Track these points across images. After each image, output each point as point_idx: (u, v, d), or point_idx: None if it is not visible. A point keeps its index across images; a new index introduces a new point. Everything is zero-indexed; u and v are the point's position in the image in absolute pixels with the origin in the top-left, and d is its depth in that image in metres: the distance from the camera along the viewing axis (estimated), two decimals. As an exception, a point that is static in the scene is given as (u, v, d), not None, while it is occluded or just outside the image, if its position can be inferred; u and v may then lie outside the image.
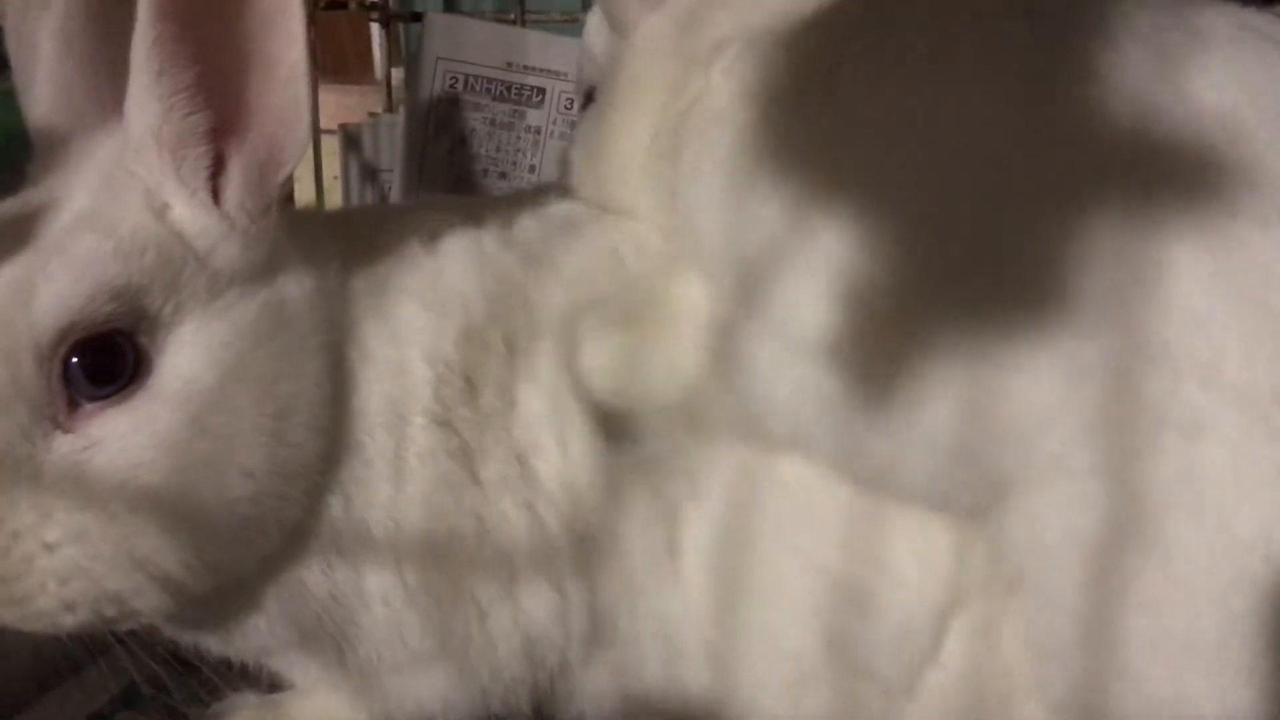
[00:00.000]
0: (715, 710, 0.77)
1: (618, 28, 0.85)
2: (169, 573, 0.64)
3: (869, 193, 0.65)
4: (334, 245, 0.74)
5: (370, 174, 1.48)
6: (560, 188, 0.88)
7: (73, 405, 0.63)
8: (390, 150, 1.46)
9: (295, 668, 0.80)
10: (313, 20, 1.26)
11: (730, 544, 0.75)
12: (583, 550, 0.75)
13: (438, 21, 1.42)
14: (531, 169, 1.42)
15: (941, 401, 0.65)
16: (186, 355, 0.64)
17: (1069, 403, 0.62)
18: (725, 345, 0.73)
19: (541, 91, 1.41)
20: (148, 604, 0.64)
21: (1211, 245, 0.61)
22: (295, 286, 0.69)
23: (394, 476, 0.71)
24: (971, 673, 0.73)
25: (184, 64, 0.63)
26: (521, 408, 0.75)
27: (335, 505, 0.70)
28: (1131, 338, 0.61)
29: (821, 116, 0.68)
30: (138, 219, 0.65)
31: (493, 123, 1.41)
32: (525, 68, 1.41)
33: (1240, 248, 0.61)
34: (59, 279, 0.61)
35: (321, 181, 1.34)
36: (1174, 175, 0.61)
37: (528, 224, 0.80)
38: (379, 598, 0.72)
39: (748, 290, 0.70)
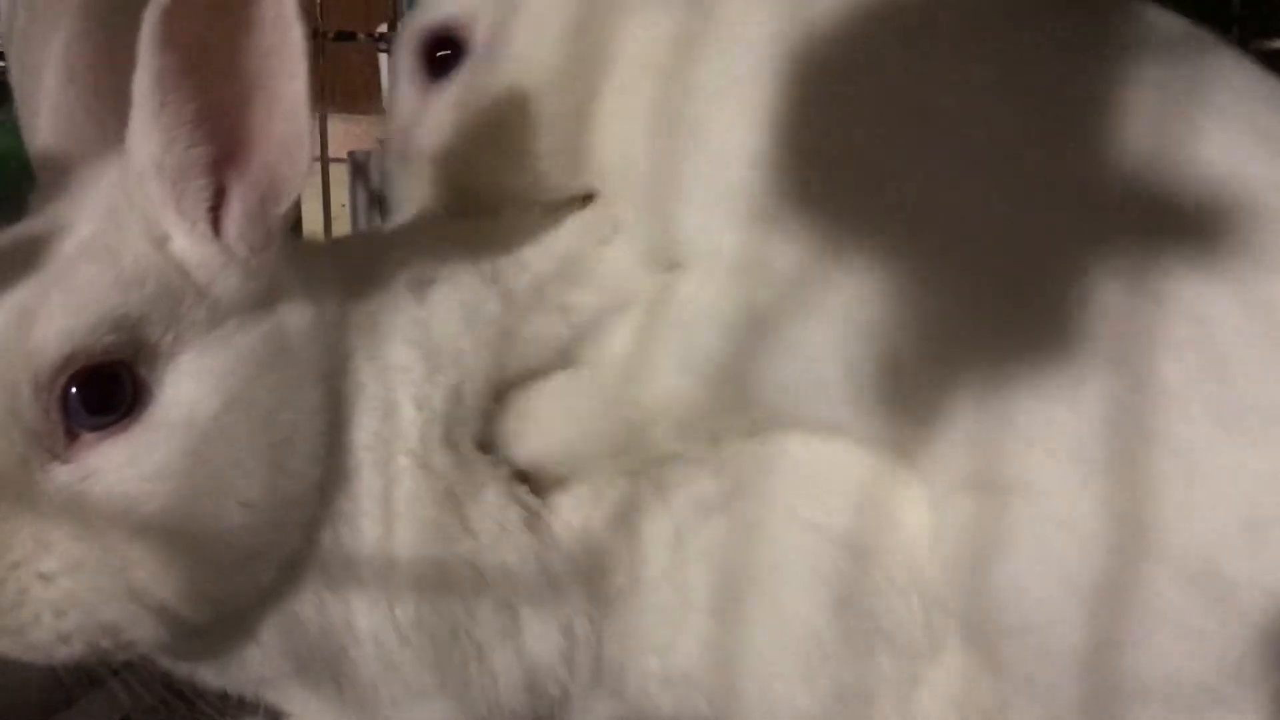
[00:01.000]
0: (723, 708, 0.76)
1: None
2: (166, 604, 0.63)
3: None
4: (333, 275, 0.74)
5: (378, 202, 1.48)
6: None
7: (71, 435, 0.62)
8: (397, 179, 1.46)
9: (294, 700, 0.80)
10: (322, 51, 1.29)
11: (733, 528, 0.74)
12: (590, 586, 0.74)
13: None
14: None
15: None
16: (186, 385, 0.64)
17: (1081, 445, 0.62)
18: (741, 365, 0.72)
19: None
20: (144, 635, 0.64)
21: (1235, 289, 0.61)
22: (295, 317, 0.69)
23: (383, 517, 0.71)
24: None
25: (186, 96, 0.63)
26: None
27: (327, 537, 0.70)
28: (1141, 377, 0.61)
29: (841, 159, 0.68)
30: (138, 249, 0.65)
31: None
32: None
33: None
34: (59, 310, 0.61)
35: (329, 210, 1.35)
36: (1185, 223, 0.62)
37: (524, 256, 0.79)
38: (370, 635, 0.71)
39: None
